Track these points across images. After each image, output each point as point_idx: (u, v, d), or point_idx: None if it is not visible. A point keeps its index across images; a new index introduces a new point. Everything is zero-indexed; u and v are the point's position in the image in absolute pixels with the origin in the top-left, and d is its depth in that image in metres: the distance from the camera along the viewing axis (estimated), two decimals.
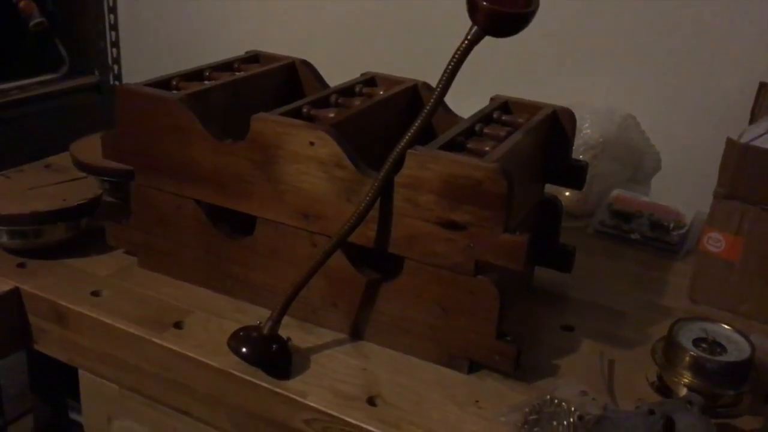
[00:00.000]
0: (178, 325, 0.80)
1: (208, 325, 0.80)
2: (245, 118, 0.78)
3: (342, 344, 0.79)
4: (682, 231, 1.05)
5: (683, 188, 1.15)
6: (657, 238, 1.04)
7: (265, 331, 0.73)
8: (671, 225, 1.04)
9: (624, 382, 0.76)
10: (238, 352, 0.72)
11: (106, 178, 1.00)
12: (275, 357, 0.72)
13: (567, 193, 1.08)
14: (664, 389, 0.74)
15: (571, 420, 0.68)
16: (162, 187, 0.85)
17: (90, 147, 1.03)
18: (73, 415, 1.13)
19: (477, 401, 0.72)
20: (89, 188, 0.97)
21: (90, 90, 1.59)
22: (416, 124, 0.71)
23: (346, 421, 0.68)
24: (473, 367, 0.75)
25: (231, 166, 0.79)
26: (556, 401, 0.71)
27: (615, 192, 1.11)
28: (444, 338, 0.75)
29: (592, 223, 1.08)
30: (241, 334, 0.73)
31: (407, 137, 0.71)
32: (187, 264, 0.86)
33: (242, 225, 0.83)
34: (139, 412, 0.83)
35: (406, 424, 0.68)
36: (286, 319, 0.76)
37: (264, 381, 0.72)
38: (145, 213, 0.87)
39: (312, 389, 0.71)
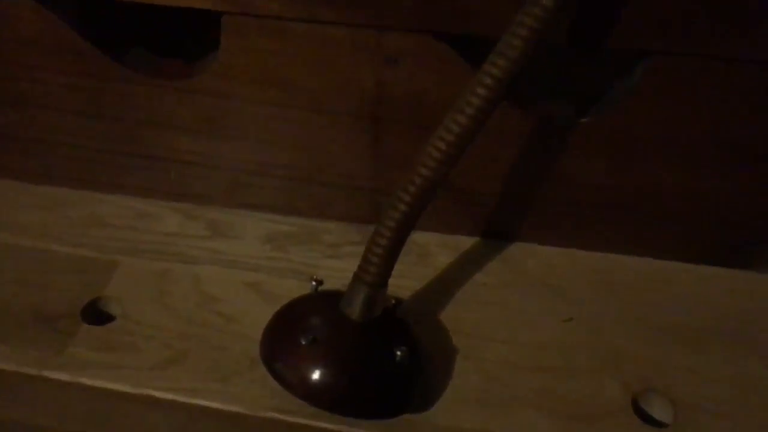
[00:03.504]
0: (96, 313, 0.33)
1: (167, 300, 0.34)
2: None
3: (479, 263, 0.36)
4: None
5: None
6: None
7: (356, 315, 0.28)
8: None
9: None
10: (320, 401, 0.28)
11: None
12: (405, 377, 0.28)
13: None
14: None
15: None
16: None
17: None
18: None
19: None
20: None
21: None
22: None
23: None
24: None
25: None
26: None
27: None
28: (715, 206, 0.33)
29: None
30: (302, 343, 0.27)
31: None
32: (54, 150, 0.37)
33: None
34: None
35: None
36: (338, 228, 0.33)
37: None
38: None
39: (499, 413, 0.29)
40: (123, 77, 0.34)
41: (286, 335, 0.28)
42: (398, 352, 0.27)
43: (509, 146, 0.33)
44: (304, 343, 0.27)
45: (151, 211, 0.38)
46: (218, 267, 0.35)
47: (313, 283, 0.30)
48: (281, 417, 0.29)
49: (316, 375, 0.27)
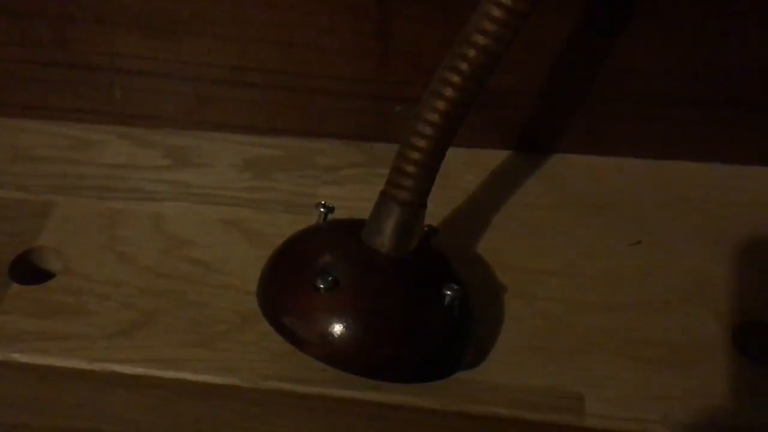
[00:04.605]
0: (28, 269, 0.25)
1: (122, 247, 0.26)
2: None
3: (513, 181, 0.29)
4: None
5: None
6: None
7: (387, 247, 0.21)
8: None
9: None
10: (350, 363, 0.20)
11: None
12: (457, 324, 0.21)
13: None
14: None
15: None
16: None
17: None
18: None
19: None
20: None
21: None
22: None
23: None
24: None
25: None
26: None
27: None
28: None
29: None
30: (319, 288, 0.20)
31: None
32: None
33: None
34: None
35: None
36: (334, 147, 0.27)
37: (440, 396, 0.22)
38: None
39: (569, 364, 0.23)
40: None
41: (295, 279, 0.21)
42: (447, 292, 0.20)
43: (550, 28, 0.26)
44: (322, 287, 0.20)
45: (92, 139, 0.30)
46: (186, 203, 0.28)
47: (321, 209, 0.23)
48: (289, 387, 0.22)
49: (342, 329, 0.20)
